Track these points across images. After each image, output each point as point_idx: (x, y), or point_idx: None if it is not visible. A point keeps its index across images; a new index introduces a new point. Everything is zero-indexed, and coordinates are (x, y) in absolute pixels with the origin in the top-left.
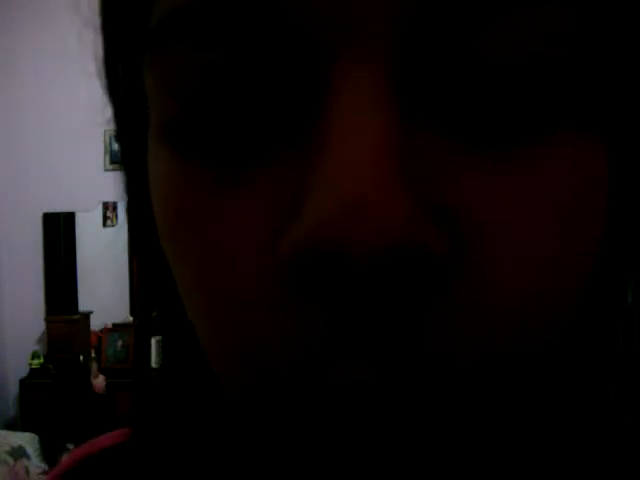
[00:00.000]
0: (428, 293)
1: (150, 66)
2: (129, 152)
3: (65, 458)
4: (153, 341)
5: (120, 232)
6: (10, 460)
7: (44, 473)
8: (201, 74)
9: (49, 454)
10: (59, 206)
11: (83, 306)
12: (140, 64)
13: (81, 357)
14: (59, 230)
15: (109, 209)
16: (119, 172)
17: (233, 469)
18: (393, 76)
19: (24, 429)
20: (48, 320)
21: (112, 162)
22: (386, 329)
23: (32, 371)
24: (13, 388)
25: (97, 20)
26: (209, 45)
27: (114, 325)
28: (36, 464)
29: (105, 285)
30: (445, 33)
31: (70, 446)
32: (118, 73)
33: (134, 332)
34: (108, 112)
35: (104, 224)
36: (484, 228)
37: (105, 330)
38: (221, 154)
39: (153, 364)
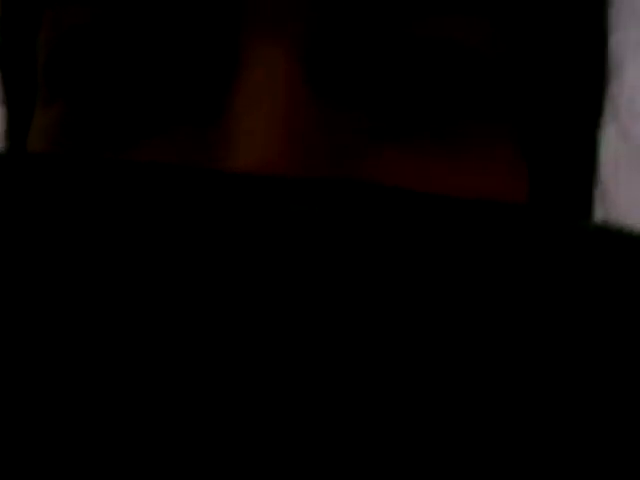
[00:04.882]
0: None
1: (49, 23)
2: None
3: None
4: None
5: None
6: None
7: None
8: (106, 34)
9: None
10: None
11: None
12: (37, 21)
13: None
14: None
15: None
16: None
17: None
18: (302, 56)
19: None
20: None
21: None
22: None
23: None
24: None
25: None
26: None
27: None
28: None
29: None
30: (358, 20)
31: None
32: (10, 32)
33: None
34: None
35: None
36: None
37: None
38: (111, 118)
39: None
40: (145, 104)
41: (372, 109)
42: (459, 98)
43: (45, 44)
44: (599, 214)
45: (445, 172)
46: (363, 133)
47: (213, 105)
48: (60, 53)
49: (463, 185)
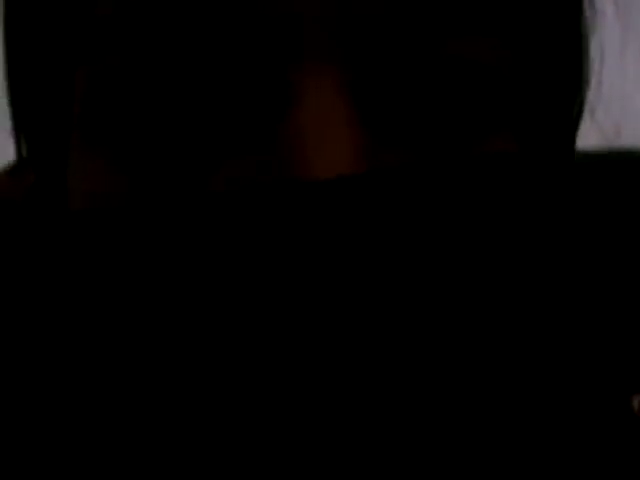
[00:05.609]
0: None
1: (92, 67)
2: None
3: None
4: None
5: None
6: None
7: None
8: (152, 78)
9: None
10: None
11: None
12: (71, 64)
13: None
14: None
15: None
16: None
17: None
18: (348, 81)
19: None
20: None
21: None
22: None
23: None
24: None
25: None
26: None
27: None
28: None
29: None
30: (392, 44)
31: None
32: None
33: None
34: None
35: None
36: None
37: None
38: (162, 163)
39: None
40: (196, 142)
41: (409, 127)
42: (479, 114)
43: (88, 93)
44: None
45: None
46: (403, 149)
47: (264, 137)
48: (107, 101)
49: None
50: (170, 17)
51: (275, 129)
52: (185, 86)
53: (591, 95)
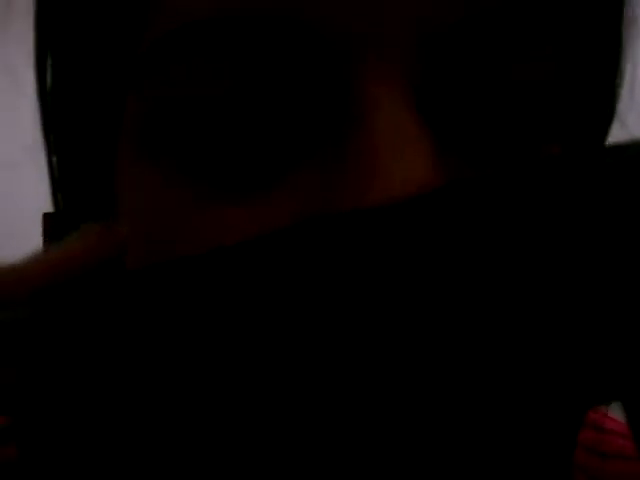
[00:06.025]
0: None
1: (150, 81)
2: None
3: None
4: None
5: None
6: None
7: None
8: (214, 90)
9: None
10: None
11: None
12: (124, 81)
13: None
14: None
15: None
16: None
17: None
18: (414, 93)
19: None
20: None
21: None
22: None
23: None
24: None
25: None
26: (222, 59)
27: None
28: None
29: None
30: (466, 59)
31: None
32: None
33: None
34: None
35: None
36: None
37: None
38: (228, 174)
39: None
40: (260, 156)
41: (470, 137)
42: (533, 127)
43: (145, 110)
44: None
45: None
46: (464, 161)
47: (333, 149)
48: (163, 119)
49: None
50: (229, 31)
51: (345, 140)
52: (249, 96)
53: (623, 103)
